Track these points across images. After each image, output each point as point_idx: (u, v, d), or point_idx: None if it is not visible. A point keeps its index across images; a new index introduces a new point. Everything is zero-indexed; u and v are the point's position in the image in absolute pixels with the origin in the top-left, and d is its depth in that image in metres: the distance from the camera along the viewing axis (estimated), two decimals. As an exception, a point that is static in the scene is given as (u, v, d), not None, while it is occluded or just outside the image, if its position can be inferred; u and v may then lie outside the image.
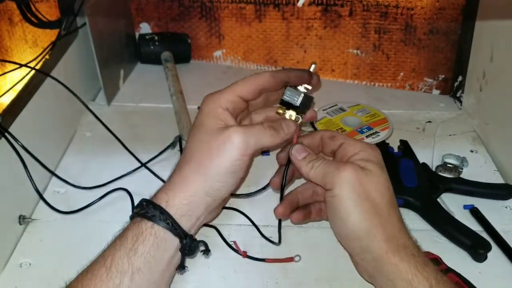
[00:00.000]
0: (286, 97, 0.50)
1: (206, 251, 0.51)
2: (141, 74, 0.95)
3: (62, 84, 0.68)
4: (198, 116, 0.49)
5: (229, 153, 0.46)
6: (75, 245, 0.58)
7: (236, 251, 0.55)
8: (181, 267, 0.47)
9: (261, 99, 0.52)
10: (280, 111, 0.51)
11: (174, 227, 0.45)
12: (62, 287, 0.43)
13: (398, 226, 0.47)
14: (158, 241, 0.44)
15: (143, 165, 0.67)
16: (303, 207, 0.54)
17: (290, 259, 0.55)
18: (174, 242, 0.45)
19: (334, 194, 0.46)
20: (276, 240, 0.55)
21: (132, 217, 0.47)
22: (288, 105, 0.50)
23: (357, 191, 0.45)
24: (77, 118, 0.79)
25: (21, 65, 0.63)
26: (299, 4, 0.24)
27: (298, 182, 0.56)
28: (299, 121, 0.51)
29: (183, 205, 0.46)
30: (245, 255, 0.55)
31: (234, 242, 0.56)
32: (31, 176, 0.59)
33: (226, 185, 0.48)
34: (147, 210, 0.45)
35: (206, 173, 0.46)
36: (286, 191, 0.53)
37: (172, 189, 0.47)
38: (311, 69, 0.52)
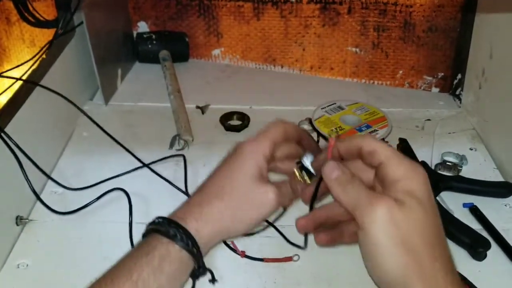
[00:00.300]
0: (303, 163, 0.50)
1: (213, 280, 0.53)
2: (139, 73, 0.95)
3: (54, 91, 0.67)
4: (237, 157, 0.49)
5: (263, 209, 0.48)
6: (72, 246, 0.57)
7: (234, 250, 0.55)
8: None
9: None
10: (296, 172, 0.51)
11: (198, 256, 0.46)
12: None
13: (442, 270, 0.40)
14: (182, 266, 0.46)
15: (146, 165, 0.67)
16: (333, 227, 0.49)
17: (289, 259, 0.55)
18: (191, 267, 0.47)
19: (365, 234, 0.41)
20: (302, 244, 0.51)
21: (155, 231, 0.46)
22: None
23: (391, 235, 0.40)
24: (75, 118, 0.79)
25: (7, 77, 0.63)
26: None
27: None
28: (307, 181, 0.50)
29: (208, 237, 0.47)
30: (243, 254, 0.55)
31: (232, 242, 0.55)
32: (27, 177, 0.58)
33: (245, 231, 0.50)
34: (176, 234, 0.45)
35: (238, 220, 0.48)
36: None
37: (202, 220, 0.47)
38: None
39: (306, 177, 0.49)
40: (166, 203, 0.65)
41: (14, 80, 0.63)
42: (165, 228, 0.46)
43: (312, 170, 0.49)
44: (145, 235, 0.48)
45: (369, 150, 0.44)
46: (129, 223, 0.59)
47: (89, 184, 0.65)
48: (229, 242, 0.56)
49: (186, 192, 0.64)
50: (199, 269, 0.47)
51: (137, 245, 0.47)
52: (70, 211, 0.61)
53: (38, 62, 0.71)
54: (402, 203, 0.40)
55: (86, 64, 0.80)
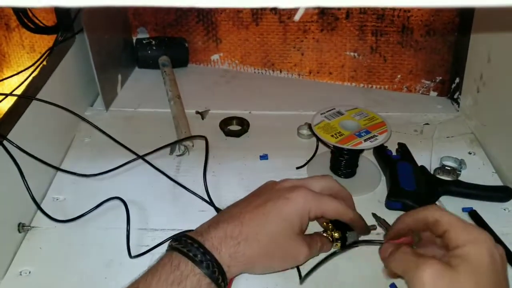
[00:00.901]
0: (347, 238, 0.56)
1: None
2: (138, 78, 0.95)
3: (52, 103, 0.67)
4: (289, 208, 0.51)
5: (288, 264, 0.53)
6: (75, 252, 0.58)
7: None
8: None
9: None
10: (325, 224, 0.57)
11: (219, 282, 0.47)
12: None
13: None
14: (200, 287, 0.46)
15: (148, 162, 0.67)
16: None
17: None
18: None
19: None
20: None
21: (186, 257, 0.47)
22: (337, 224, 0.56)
23: None
24: (75, 124, 0.79)
25: (6, 95, 0.63)
26: (296, 18, 0.23)
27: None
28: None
29: (236, 273, 0.50)
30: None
31: None
32: (28, 185, 0.58)
33: (258, 274, 0.53)
34: (210, 266, 0.46)
35: (263, 264, 0.51)
36: None
37: (237, 259, 0.49)
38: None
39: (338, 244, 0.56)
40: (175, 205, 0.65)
41: (5, 96, 0.63)
42: (198, 257, 0.46)
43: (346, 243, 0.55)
44: (170, 250, 0.48)
45: (433, 220, 0.45)
46: (127, 233, 0.59)
47: (92, 191, 0.66)
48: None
49: (211, 203, 0.64)
50: None
51: (163, 265, 0.46)
52: (70, 219, 0.61)
53: (38, 69, 0.71)
54: (452, 267, 0.41)
55: (86, 70, 0.80)
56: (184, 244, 0.47)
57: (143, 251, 0.57)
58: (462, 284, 0.40)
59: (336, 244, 0.56)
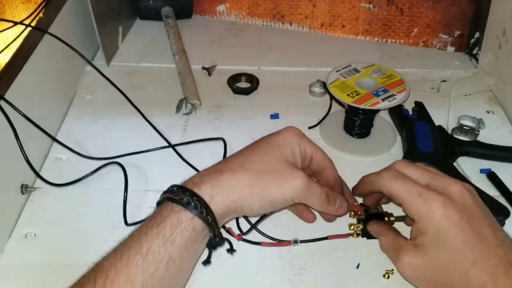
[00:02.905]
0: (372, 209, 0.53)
1: (231, 250, 0.50)
2: (140, 31, 0.91)
3: (62, 40, 0.63)
4: (279, 138, 0.50)
5: (285, 191, 0.47)
6: (79, 214, 0.56)
7: (231, 234, 0.52)
8: (208, 262, 0.48)
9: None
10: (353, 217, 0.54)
11: (213, 224, 0.44)
12: (90, 268, 0.42)
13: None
14: (195, 234, 0.44)
15: (171, 146, 0.64)
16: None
17: (288, 243, 0.52)
18: (207, 237, 0.46)
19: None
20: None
21: (169, 200, 0.45)
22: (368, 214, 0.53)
23: (418, 277, 0.45)
24: (76, 80, 0.76)
25: (15, 23, 0.59)
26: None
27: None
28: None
29: (224, 205, 0.45)
30: (239, 238, 0.52)
31: (229, 228, 0.53)
32: (22, 146, 0.55)
33: (258, 211, 0.48)
34: (190, 200, 0.44)
35: (257, 192, 0.46)
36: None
37: (219, 186, 0.45)
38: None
39: (359, 225, 0.52)
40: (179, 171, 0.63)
41: (24, 26, 0.59)
42: (178, 195, 0.44)
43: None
44: (159, 204, 0.46)
45: (388, 194, 0.47)
46: (124, 200, 0.56)
47: (95, 149, 0.63)
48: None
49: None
50: (215, 238, 0.46)
51: (150, 215, 0.45)
52: (69, 182, 0.58)
53: (35, 21, 0.67)
54: (421, 247, 0.44)
55: (85, 22, 0.75)
56: (165, 192, 0.46)
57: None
58: (436, 260, 0.43)
59: (357, 227, 0.53)
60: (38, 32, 0.63)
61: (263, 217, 0.52)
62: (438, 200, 0.43)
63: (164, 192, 0.46)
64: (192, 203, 0.43)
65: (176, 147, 0.63)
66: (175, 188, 0.46)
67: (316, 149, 0.51)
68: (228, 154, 0.63)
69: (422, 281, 0.45)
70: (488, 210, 0.45)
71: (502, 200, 0.57)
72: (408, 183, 0.46)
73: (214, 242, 0.46)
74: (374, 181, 0.49)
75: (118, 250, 0.42)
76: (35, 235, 0.53)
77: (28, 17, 0.68)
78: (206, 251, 0.48)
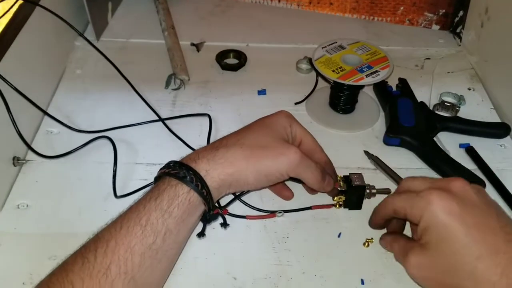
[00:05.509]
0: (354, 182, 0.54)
1: (225, 224, 0.53)
2: (129, 6, 0.91)
3: (53, 12, 0.64)
4: (272, 118, 0.52)
5: (280, 164, 0.48)
6: (71, 186, 0.57)
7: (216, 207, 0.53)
8: (202, 234, 0.51)
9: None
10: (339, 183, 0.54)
11: (207, 198, 0.46)
12: (91, 238, 0.43)
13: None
14: (191, 207, 0.45)
15: (161, 120, 0.65)
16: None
17: (273, 215, 0.54)
18: (201, 210, 0.47)
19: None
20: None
21: (167, 175, 0.46)
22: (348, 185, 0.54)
23: (426, 277, 0.44)
24: (66, 55, 0.76)
25: None
26: None
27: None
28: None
29: (219, 179, 0.47)
30: (225, 212, 0.53)
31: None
32: (14, 121, 0.56)
33: (254, 185, 0.49)
34: (186, 174, 0.45)
35: (252, 165, 0.48)
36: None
37: (215, 161, 0.47)
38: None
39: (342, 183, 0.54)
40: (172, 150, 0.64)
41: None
42: (175, 170, 0.46)
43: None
44: (157, 179, 0.48)
45: (393, 213, 0.47)
46: (113, 173, 0.57)
47: (85, 123, 0.64)
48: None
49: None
50: (209, 212, 0.48)
51: (149, 189, 0.47)
52: (60, 154, 0.60)
53: (24, -5, 0.67)
54: (426, 246, 0.43)
55: (74, -3, 0.76)
56: (163, 167, 0.48)
57: (142, 185, 0.57)
58: (441, 256, 0.42)
59: (340, 198, 0.54)
60: (29, 5, 0.64)
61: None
62: (434, 193, 0.43)
63: (162, 168, 0.48)
64: (188, 177, 0.45)
65: (165, 121, 0.65)
66: (172, 163, 0.47)
67: (306, 133, 0.53)
68: (213, 130, 0.64)
69: (430, 281, 0.44)
70: (500, 208, 0.44)
71: (479, 173, 0.60)
72: (408, 192, 0.46)
73: (208, 215, 0.48)
74: (381, 207, 0.50)
75: (118, 221, 0.44)
76: (27, 206, 0.55)
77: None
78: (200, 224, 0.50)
